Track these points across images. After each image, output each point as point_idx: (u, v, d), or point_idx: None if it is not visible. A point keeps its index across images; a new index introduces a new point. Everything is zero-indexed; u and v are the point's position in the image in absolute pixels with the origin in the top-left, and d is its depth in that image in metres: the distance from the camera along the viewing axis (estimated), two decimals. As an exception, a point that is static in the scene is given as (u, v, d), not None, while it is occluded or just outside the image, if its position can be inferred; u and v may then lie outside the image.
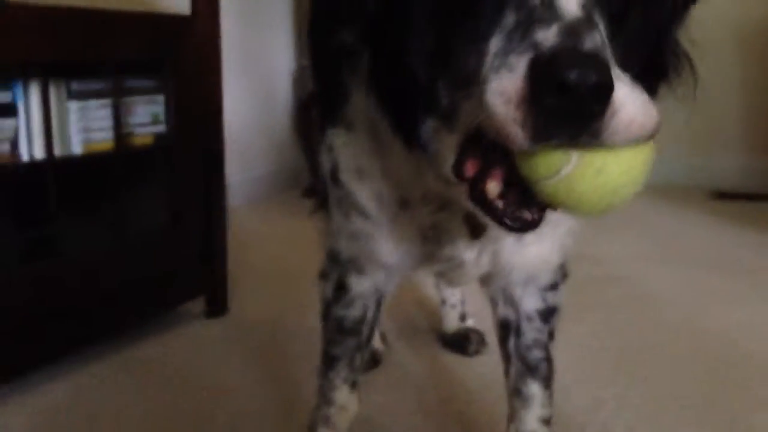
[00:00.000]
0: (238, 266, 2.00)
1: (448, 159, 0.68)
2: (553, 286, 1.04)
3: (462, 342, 1.64)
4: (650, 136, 0.58)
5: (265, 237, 2.50)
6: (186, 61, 1.64)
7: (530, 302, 1.04)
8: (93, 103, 1.47)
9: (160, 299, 1.70)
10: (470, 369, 1.56)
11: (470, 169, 0.66)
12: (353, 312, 1.06)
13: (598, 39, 0.56)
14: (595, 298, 1.97)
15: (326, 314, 1.08)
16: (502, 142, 0.58)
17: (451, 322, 1.68)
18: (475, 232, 0.88)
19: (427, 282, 1.87)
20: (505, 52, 0.57)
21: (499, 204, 0.65)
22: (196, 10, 1.65)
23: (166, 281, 1.68)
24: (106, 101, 1.49)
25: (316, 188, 1.05)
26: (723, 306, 1.93)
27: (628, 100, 0.55)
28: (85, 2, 1.96)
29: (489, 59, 0.59)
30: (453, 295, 1.68)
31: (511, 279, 1.01)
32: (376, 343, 1.57)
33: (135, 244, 1.60)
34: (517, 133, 0.55)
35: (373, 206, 0.92)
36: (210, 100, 1.72)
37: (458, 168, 0.67)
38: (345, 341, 1.08)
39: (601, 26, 0.58)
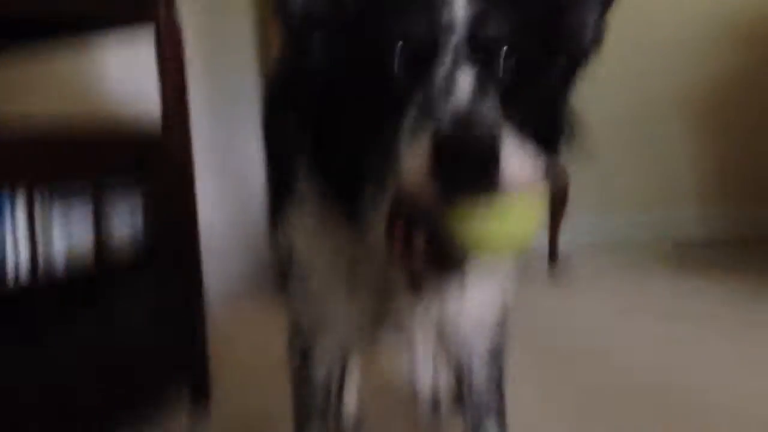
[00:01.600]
0: (219, 360, 2.07)
1: (381, 226, 0.78)
2: (498, 325, 1.14)
3: (435, 399, 1.71)
4: (536, 184, 0.70)
5: (244, 330, 2.58)
6: (161, 172, 1.73)
7: (478, 344, 1.13)
8: (75, 221, 1.56)
9: (147, 392, 1.75)
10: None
11: (398, 232, 0.75)
12: (319, 372, 1.14)
13: (491, 113, 0.68)
14: (554, 348, 2.08)
15: (295, 380, 1.17)
16: (420, 204, 0.68)
17: (425, 382, 1.74)
18: (415, 289, 0.95)
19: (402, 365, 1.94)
20: (414, 130, 0.69)
21: (425, 257, 0.74)
22: (168, 122, 1.75)
23: (151, 380, 1.74)
24: (87, 219, 1.58)
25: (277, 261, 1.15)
26: (686, 353, 2.01)
27: (514, 159, 0.66)
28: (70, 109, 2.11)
29: (404, 138, 0.70)
30: (424, 354, 1.75)
31: (458, 325, 1.10)
32: (354, 410, 1.65)
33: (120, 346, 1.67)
34: (428, 196, 0.66)
35: (326, 275, 1.02)
36: (186, 211, 1.81)
37: (389, 233, 0.76)
38: (315, 397, 1.16)
39: (492, 104, 0.70)
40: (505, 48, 0.76)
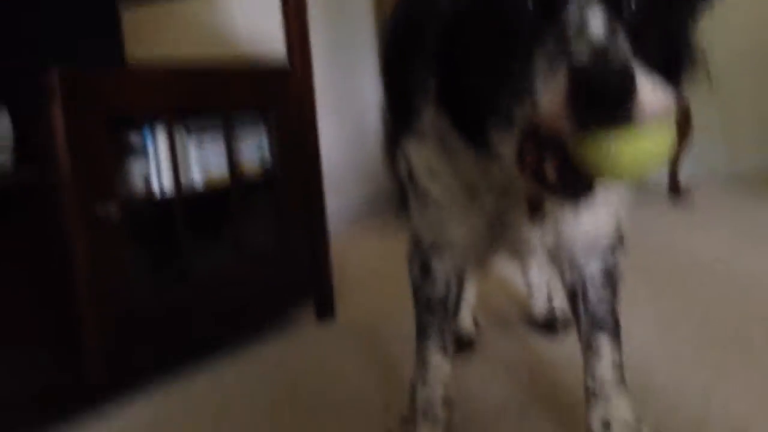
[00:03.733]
0: (342, 280, 2.23)
1: (510, 155, 0.86)
2: (612, 249, 1.19)
3: (550, 322, 1.80)
4: (668, 114, 0.75)
5: (363, 255, 2.73)
6: (285, 106, 1.89)
7: (592, 265, 1.19)
8: (209, 140, 1.73)
9: (277, 306, 1.94)
10: (557, 349, 1.70)
11: (529, 158, 0.83)
12: (438, 289, 1.23)
13: (622, 48, 0.73)
14: (677, 279, 2.09)
15: (415, 292, 1.26)
16: (555, 134, 0.76)
17: (539, 305, 1.83)
18: (534, 215, 1.04)
19: (517, 279, 2.03)
20: (549, 67, 0.75)
21: (556, 182, 0.81)
22: (292, 61, 1.91)
23: (280, 290, 1.92)
24: (220, 138, 1.75)
25: (397, 184, 1.25)
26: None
27: (647, 88, 0.72)
28: (197, 54, 2.28)
29: (537, 74, 0.76)
30: (539, 282, 1.84)
31: (575, 249, 1.16)
32: (469, 327, 1.76)
33: (252, 259, 1.85)
34: (564, 127, 0.73)
35: (444, 199, 1.10)
36: (308, 138, 1.96)
37: (520, 160, 0.84)
38: (434, 314, 1.25)
39: (623, 38, 0.75)
40: None
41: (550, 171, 0.81)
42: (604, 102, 0.70)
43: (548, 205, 1.04)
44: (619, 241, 1.20)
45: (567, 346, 1.67)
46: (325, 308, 2.03)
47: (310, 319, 2.03)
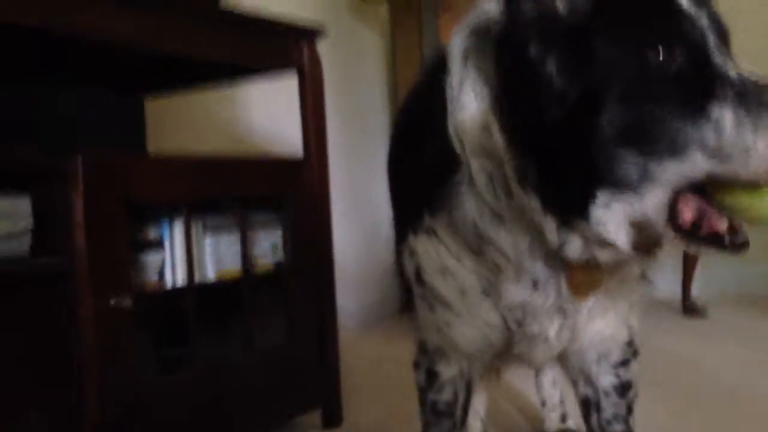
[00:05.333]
0: (351, 383, 2.16)
1: (614, 225, 0.82)
2: (624, 363, 1.15)
3: None
4: None
5: (374, 357, 2.67)
6: (300, 199, 1.88)
7: (606, 379, 1.15)
8: (224, 236, 1.72)
9: (282, 409, 1.86)
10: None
11: (687, 217, 0.81)
12: (445, 396, 1.18)
13: None
14: (696, 401, 2.02)
15: (422, 400, 1.21)
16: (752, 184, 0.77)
17: (552, 423, 1.76)
18: (584, 290, 0.98)
19: (529, 388, 1.96)
20: (751, 119, 0.75)
21: (723, 235, 0.81)
22: (307, 154, 1.92)
23: (287, 392, 1.85)
24: (235, 234, 1.74)
25: (402, 284, 1.20)
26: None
27: None
28: (215, 147, 2.31)
29: (731, 127, 0.76)
30: (552, 396, 1.77)
31: (586, 357, 1.13)
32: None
33: (259, 358, 1.80)
34: None
35: (456, 299, 1.05)
36: (321, 232, 1.95)
37: (672, 218, 0.81)
38: (440, 423, 1.20)
39: None
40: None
41: (718, 223, 0.80)
42: None
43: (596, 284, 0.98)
44: (632, 354, 1.16)
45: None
46: (332, 416, 1.96)
47: (316, 426, 1.96)
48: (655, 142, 0.78)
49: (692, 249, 0.83)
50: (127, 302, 1.42)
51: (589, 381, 1.16)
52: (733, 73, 0.77)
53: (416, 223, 1.06)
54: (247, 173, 1.76)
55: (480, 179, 0.93)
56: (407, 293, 1.17)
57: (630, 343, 1.15)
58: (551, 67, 0.81)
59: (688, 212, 0.81)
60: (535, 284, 0.99)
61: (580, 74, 0.80)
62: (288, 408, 1.88)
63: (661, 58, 0.78)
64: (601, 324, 1.08)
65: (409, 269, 1.10)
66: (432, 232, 1.04)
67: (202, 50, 1.68)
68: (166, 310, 1.64)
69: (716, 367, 2.37)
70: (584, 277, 0.96)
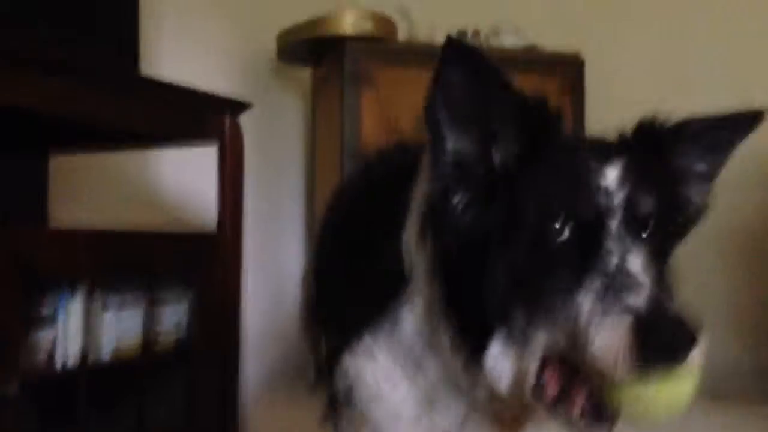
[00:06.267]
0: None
1: (506, 379, 0.83)
2: None
3: None
4: (702, 360, 0.76)
5: (280, 426, 2.56)
6: (210, 275, 1.81)
7: None
8: (126, 313, 1.62)
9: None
10: None
11: (551, 391, 0.81)
12: None
13: (674, 301, 0.76)
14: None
15: None
16: (601, 379, 0.75)
17: None
18: (513, 427, 0.99)
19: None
20: (602, 312, 0.74)
21: (581, 421, 0.80)
22: (221, 228, 1.84)
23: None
24: (138, 311, 1.64)
25: (327, 396, 1.14)
26: None
27: (702, 338, 0.73)
28: (124, 221, 2.21)
29: (584, 314, 0.75)
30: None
31: None
32: None
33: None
34: (620, 374, 0.72)
35: (387, 426, 1.01)
36: (230, 308, 1.87)
37: (538, 391, 0.81)
38: None
39: (664, 280, 0.79)
40: (651, 226, 0.84)
41: (578, 403, 0.79)
42: (669, 356, 0.72)
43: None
44: None
45: None
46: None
47: None
48: (532, 307, 0.80)
49: (560, 423, 0.83)
50: (12, 389, 1.31)
51: None
52: (612, 266, 0.77)
53: (354, 343, 1.02)
54: (156, 248, 1.68)
55: (419, 304, 0.93)
56: (329, 407, 1.10)
57: None
58: (458, 201, 0.85)
59: (551, 387, 0.81)
60: (465, 418, 0.98)
61: (483, 216, 0.84)
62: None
63: (554, 230, 0.80)
64: None
65: (340, 389, 1.05)
66: (370, 355, 1.00)
67: (117, 117, 1.60)
68: (56, 394, 1.51)
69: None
70: (512, 415, 0.95)
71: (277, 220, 3.40)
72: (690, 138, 0.94)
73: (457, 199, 0.86)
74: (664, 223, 0.87)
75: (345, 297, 1.08)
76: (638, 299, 0.73)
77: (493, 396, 0.88)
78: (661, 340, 0.71)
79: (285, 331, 3.20)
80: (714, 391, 3.12)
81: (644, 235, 0.82)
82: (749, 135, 0.96)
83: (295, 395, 3.02)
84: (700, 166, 0.96)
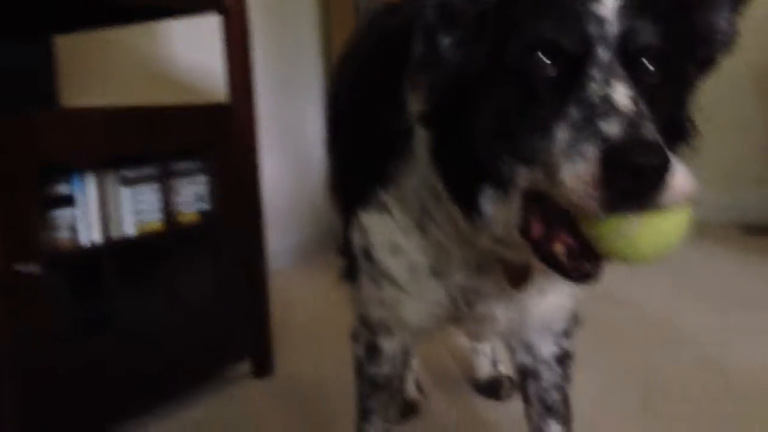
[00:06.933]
0: (282, 328, 2.14)
1: (504, 222, 0.81)
2: (567, 333, 1.15)
3: (494, 387, 1.73)
4: (692, 199, 0.71)
5: (307, 297, 2.64)
6: (226, 144, 1.81)
7: (547, 348, 1.15)
8: (144, 188, 1.64)
9: (211, 363, 1.83)
10: (503, 413, 1.65)
11: (536, 230, 0.78)
12: (384, 370, 1.16)
13: (652, 128, 0.69)
14: (623, 337, 2.05)
15: (359, 372, 1.19)
16: (575, 211, 0.71)
17: (484, 369, 1.77)
18: (518, 283, 0.97)
19: (459, 334, 1.96)
20: (575, 141, 0.69)
21: (565, 260, 0.76)
22: (234, 97, 1.83)
23: (215, 346, 1.81)
24: (156, 185, 1.66)
25: (345, 254, 1.16)
26: (752, 343, 1.98)
27: (677, 173, 0.68)
28: (135, 98, 2.19)
29: (558, 146, 0.71)
30: (484, 343, 1.78)
31: (529, 327, 1.11)
32: (413, 392, 1.68)
33: (185, 313, 1.75)
34: (592, 207, 0.67)
35: (405, 277, 1.02)
36: (249, 178, 1.88)
37: (525, 230, 0.79)
38: (378, 395, 1.18)
39: (648, 115, 0.71)
40: (651, 58, 0.78)
41: (560, 248, 0.76)
42: (641, 185, 0.66)
43: (533, 275, 0.97)
44: (574, 322, 1.15)
45: (512, 411, 1.61)
46: (264, 366, 1.93)
47: (247, 376, 1.92)
48: (516, 144, 0.77)
49: (543, 264, 0.79)
50: (36, 268, 1.34)
51: (530, 350, 1.15)
52: (593, 95, 0.71)
53: (367, 197, 1.02)
54: (168, 123, 1.67)
55: (423, 152, 0.90)
56: (348, 265, 1.12)
57: (574, 313, 1.14)
58: (447, 41, 0.83)
59: (536, 226, 0.78)
60: (479, 268, 0.98)
61: (471, 53, 0.81)
62: (217, 361, 1.85)
63: (539, 62, 0.76)
64: (553, 299, 1.05)
65: (358, 245, 1.06)
66: (384, 207, 1.01)
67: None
68: (83, 270, 1.56)
69: (642, 301, 2.42)
70: (516, 269, 0.94)
71: (295, 86, 3.35)
72: None
73: (446, 42, 0.82)
74: (677, 53, 0.82)
75: (359, 157, 1.08)
76: (612, 126, 0.67)
77: (495, 242, 0.86)
78: (629, 165, 0.65)
79: (310, 201, 3.23)
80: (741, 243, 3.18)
81: (647, 66, 0.77)
82: None
83: (326, 265, 3.10)
84: None
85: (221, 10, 1.78)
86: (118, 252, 1.57)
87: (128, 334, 1.61)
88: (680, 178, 0.68)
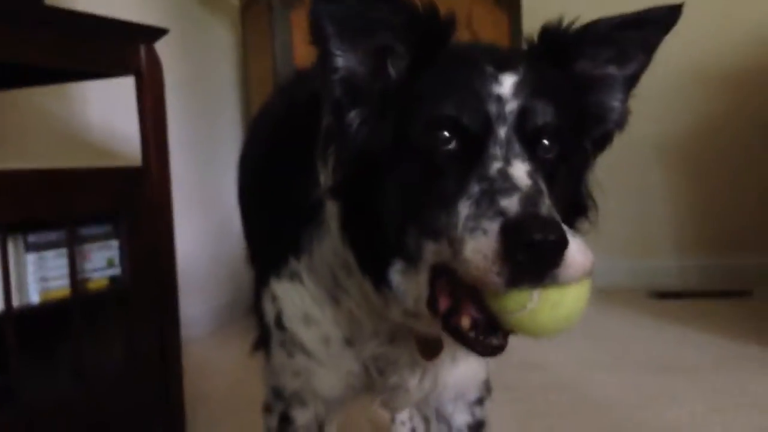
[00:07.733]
0: (198, 400, 2.07)
1: (413, 295, 0.82)
2: (480, 401, 1.16)
3: None
4: (590, 273, 0.73)
5: (224, 366, 2.56)
6: (139, 207, 1.76)
7: (460, 417, 1.15)
8: (49, 253, 1.57)
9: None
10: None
11: (443, 303, 0.79)
12: None
13: (548, 203, 0.71)
14: (539, 405, 2.05)
15: None
16: (478, 286, 0.72)
17: (402, 441, 1.74)
18: (430, 354, 0.98)
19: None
20: (477, 217, 0.71)
21: (472, 334, 0.78)
22: (148, 160, 1.79)
23: (125, 422, 1.73)
24: (63, 250, 1.59)
25: (257, 323, 1.14)
26: (665, 406, 2.02)
27: (575, 249, 0.70)
28: (49, 161, 2.12)
29: (461, 221, 0.73)
30: (402, 412, 1.76)
31: (443, 397, 1.11)
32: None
33: (93, 387, 1.66)
34: (494, 281, 0.69)
35: (317, 347, 1.02)
36: (163, 242, 1.83)
37: (432, 303, 0.80)
38: None
39: (547, 192, 0.73)
40: (549, 135, 0.81)
41: (466, 322, 0.77)
42: (538, 260, 0.68)
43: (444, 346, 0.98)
44: (487, 392, 1.16)
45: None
46: (175, 438, 1.85)
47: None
48: (422, 219, 0.78)
49: (450, 337, 0.81)
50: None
51: (444, 419, 1.14)
52: (494, 171, 0.74)
53: (279, 266, 1.03)
54: (78, 187, 1.62)
55: (334, 224, 0.91)
56: (260, 334, 1.11)
57: (486, 381, 1.15)
58: (353, 119, 0.84)
59: (443, 299, 0.79)
60: (392, 338, 0.98)
61: (376, 129, 0.83)
62: (129, 425, 1.76)
63: (442, 139, 0.78)
64: (464, 367, 1.07)
65: (270, 314, 1.06)
66: (296, 277, 1.01)
67: (23, 53, 1.51)
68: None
69: (557, 366, 2.44)
70: (427, 340, 0.95)
71: (213, 148, 3.32)
72: (597, 40, 0.90)
73: (352, 117, 0.84)
74: (573, 132, 0.86)
75: (270, 226, 1.09)
76: (511, 202, 0.70)
77: (406, 314, 0.87)
78: (526, 240, 0.67)
79: (231, 265, 3.17)
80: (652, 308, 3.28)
81: (544, 143, 0.80)
82: (667, 32, 0.91)
83: (244, 331, 3.02)
84: (612, 70, 0.92)
85: (136, 72, 1.76)
86: (20, 321, 1.49)
87: (31, 410, 1.52)
88: (577, 253, 0.70)
